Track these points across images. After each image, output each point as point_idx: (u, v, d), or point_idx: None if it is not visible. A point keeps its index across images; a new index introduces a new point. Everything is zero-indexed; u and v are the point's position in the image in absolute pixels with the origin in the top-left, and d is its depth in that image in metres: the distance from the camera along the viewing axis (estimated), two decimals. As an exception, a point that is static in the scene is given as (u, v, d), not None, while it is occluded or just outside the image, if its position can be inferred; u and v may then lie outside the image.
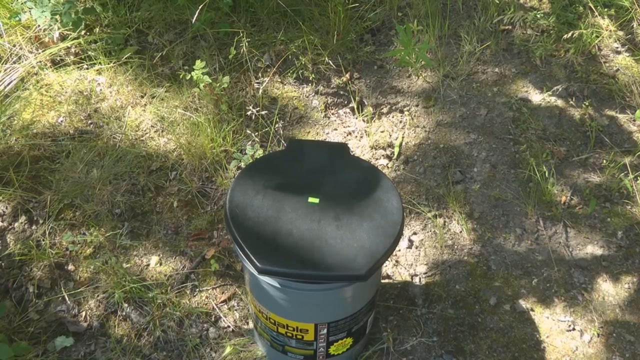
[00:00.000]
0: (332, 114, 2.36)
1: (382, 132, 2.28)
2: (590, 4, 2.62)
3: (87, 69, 2.46)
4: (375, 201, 1.46)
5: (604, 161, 2.16)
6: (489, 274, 1.90)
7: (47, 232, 1.97)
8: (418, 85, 2.43)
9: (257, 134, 2.24)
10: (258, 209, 1.42)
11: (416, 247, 1.97)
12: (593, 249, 1.95)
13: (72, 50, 2.49)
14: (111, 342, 1.75)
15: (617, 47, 2.55)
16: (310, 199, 1.44)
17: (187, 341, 1.75)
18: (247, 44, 2.42)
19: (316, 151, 1.61)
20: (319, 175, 1.51)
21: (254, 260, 1.31)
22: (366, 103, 2.39)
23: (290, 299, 1.41)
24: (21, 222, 2.01)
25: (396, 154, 2.21)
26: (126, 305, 1.82)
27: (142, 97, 2.38)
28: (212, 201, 2.07)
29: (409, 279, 1.89)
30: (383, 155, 2.21)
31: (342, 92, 2.41)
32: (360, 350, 1.69)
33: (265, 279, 1.37)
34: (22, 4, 2.48)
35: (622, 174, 2.11)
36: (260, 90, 2.36)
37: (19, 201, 2.04)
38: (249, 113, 2.28)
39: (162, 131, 2.26)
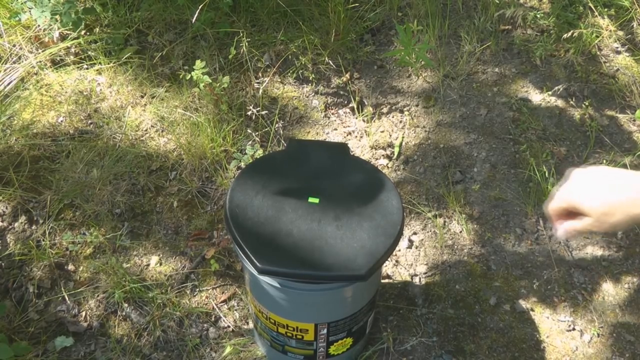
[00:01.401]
0: (332, 114, 2.36)
1: (382, 132, 2.28)
2: (590, 4, 2.62)
3: (87, 69, 2.46)
4: (376, 201, 1.45)
5: (604, 161, 2.16)
6: (489, 274, 1.90)
7: (47, 232, 1.97)
8: (418, 85, 2.43)
9: (257, 134, 2.24)
10: (258, 209, 1.42)
11: (416, 247, 1.97)
12: (593, 249, 1.95)
13: (72, 50, 2.49)
14: (111, 342, 1.75)
15: (617, 47, 2.55)
16: (311, 199, 1.44)
17: (187, 341, 1.75)
18: (247, 44, 2.42)
19: (316, 151, 1.61)
20: (319, 175, 1.51)
21: (254, 260, 1.31)
22: (366, 103, 2.39)
23: (290, 299, 1.41)
24: (21, 222, 2.01)
25: (396, 154, 2.21)
26: (126, 305, 1.82)
27: (142, 97, 2.38)
28: (212, 201, 2.07)
29: (409, 279, 1.89)
30: (383, 155, 2.21)
31: (342, 92, 2.41)
32: (360, 350, 1.69)
33: (265, 279, 1.37)
34: (22, 4, 2.48)
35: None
36: (260, 90, 2.35)
37: (19, 201, 2.04)
38: (249, 113, 2.28)
39: (162, 131, 2.26)
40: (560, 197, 0.93)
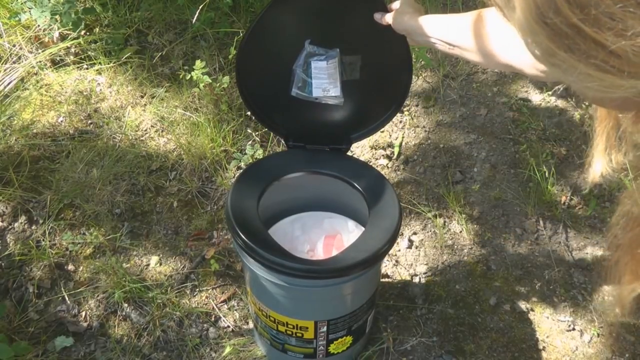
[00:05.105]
0: (332, 114, 2.36)
1: (382, 132, 2.28)
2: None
3: (87, 69, 2.46)
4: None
5: (604, 161, 2.16)
6: (489, 274, 1.90)
7: (47, 232, 1.96)
8: (418, 85, 2.43)
9: (257, 134, 2.24)
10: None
11: (416, 247, 1.97)
12: (593, 249, 1.95)
13: (72, 50, 2.50)
14: (111, 342, 1.75)
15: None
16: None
17: (187, 341, 1.75)
18: (247, 44, 2.41)
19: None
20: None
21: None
22: (366, 103, 2.38)
23: (290, 296, 1.41)
24: (21, 222, 2.01)
25: (396, 154, 2.21)
26: (126, 305, 1.82)
27: (142, 97, 2.38)
28: (212, 201, 2.07)
29: (409, 278, 1.89)
30: (383, 155, 2.21)
31: (342, 92, 2.41)
32: (360, 349, 1.69)
33: (266, 277, 1.37)
34: (22, 4, 2.48)
35: (622, 173, 2.10)
36: (260, 90, 2.35)
37: (19, 201, 2.04)
38: (248, 113, 2.28)
39: (162, 131, 2.26)
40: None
